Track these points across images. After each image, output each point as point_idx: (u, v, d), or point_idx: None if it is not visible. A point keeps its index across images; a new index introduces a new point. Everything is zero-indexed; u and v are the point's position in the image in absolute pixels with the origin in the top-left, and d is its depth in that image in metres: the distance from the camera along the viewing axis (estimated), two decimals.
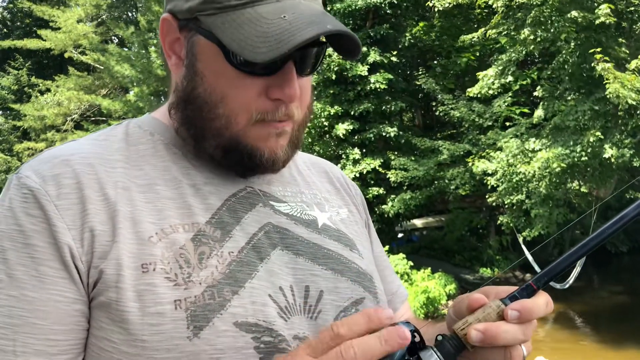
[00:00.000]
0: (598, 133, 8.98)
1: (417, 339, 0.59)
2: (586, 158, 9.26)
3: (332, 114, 12.73)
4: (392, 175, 12.74)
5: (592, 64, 8.98)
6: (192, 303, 0.63)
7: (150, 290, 0.63)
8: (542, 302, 0.62)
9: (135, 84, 17.59)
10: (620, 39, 9.99)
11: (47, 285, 0.63)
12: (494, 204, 11.80)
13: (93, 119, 20.59)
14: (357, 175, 12.77)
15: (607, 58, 8.71)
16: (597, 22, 9.15)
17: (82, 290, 0.64)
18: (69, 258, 0.64)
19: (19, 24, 24.27)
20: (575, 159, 9.31)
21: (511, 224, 11.63)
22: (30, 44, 20.29)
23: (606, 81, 8.59)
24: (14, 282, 0.62)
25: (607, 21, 9.07)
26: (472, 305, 0.62)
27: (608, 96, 8.60)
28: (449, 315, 0.67)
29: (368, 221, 0.95)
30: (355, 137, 13.16)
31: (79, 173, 0.68)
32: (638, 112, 8.78)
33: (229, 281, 0.66)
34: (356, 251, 0.82)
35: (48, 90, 20.59)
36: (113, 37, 22.42)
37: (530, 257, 11.14)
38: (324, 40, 0.73)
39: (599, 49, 8.83)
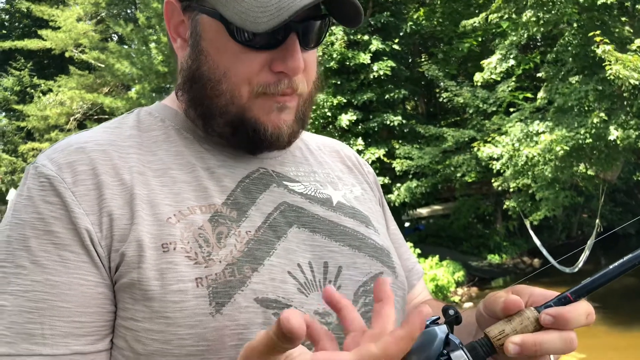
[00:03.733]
0: (602, 114, 8.89)
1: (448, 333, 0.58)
2: (590, 140, 9.18)
3: (335, 104, 12.68)
4: (397, 165, 12.71)
5: (592, 47, 8.87)
6: (213, 280, 0.64)
7: (171, 268, 0.64)
8: (581, 311, 0.60)
9: (136, 81, 17.58)
10: (623, 18, 9.87)
11: (70, 269, 0.64)
12: (499, 188, 11.75)
13: (96, 117, 20.60)
14: None
15: (607, 40, 8.61)
16: (599, 2, 9.05)
17: (105, 274, 0.65)
18: (89, 242, 0.65)
19: (17, 24, 24.25)
20: (580, 141, 9.23)
21: (517, 208, 11.59)
22: (31, 44, 20.26)
23: (606, 63, 8.49)
24: (38, 268, 0.63)
25: (609, 1, 8.97)
26: (508, 309, 0.60)
27: (609, 78, 8.51)
28: (479, 312, 0.66)
29: (382, 199, 0.95)
30: (359, 127, 13.11)
31: (94, 159, 0.69)
32: None
33: (248, 259, 0.67)
34: (372, 227, 0.82)
35: (50, 90, 20.60)
36: (113, 35, 22.37)
37: (539, 243, 11.09)
38: (326, 12, 0.73)
39: (598, 32, 8.73)
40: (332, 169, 0.88)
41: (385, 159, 12.95)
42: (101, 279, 0.65)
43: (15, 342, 0.61)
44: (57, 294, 0.63)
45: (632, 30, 9.58)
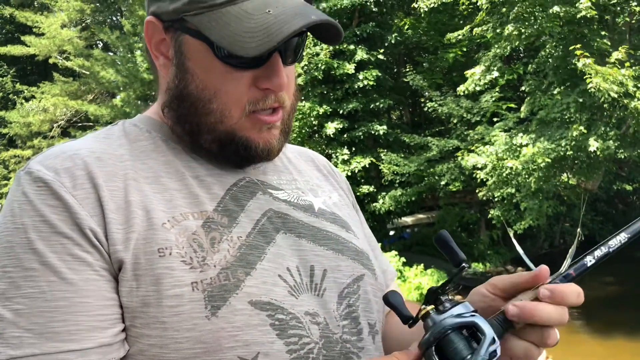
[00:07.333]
0: (581, 127, 9.08)
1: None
2: (571, 152, 9.35)
3: (321, 113, 12.74)
4: (384, 168, 12.83)
5: (574, 60, 9.06)
6: (208, 284, 0.66)
7: (168, 273, 0.65)
8: (575, 289, 0.66)
9: (121, 89, 17.47)
10: (602, 32, 10.09)
11: (83, 266, 0.64)
12: (484, 197, 11.88)
13: (80, 124, 20.42)
14: (349, 173, 12.80)
15: (587, 54, 8.80)
16: (578, 15, 9.25)
17: (113, 271, 0.66)
18: (97, 241, 0.66)
19: (0, 30, 23.97)
20: (561, 153, 9.39)
21: (502, 218, 11.71)
22: (14, 50, 20.01)
23: (587, 76, 8.68)
24: (50, 268, 0.63)
25: (589, 14, 9.18)
26: (538, 279, 0.69)
27: (590, 91, 8.70)
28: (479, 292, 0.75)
29: (355, 205, 0.99)
30: (345, 136, 13.18)
31: (89, 164, 0.70)
32: (621, 104, 8.88)
33: (241, 263, 0.69)
34: (351, 232, 0.86)
35: (33, 96, 20.35)
36: (98, 42, 22.21)
37: (522, 252, 11.21)
38: (304, 29, 0.76)
39: (578, 45, 8.93)
40: (310, 177, 0.92)
41: (374, 161, 13.06)
42: (112, 274, 0.66)
43: (40, 342, 0.61)
44: (76, 291, 0.63)
45: (609, 43, 9.80)
